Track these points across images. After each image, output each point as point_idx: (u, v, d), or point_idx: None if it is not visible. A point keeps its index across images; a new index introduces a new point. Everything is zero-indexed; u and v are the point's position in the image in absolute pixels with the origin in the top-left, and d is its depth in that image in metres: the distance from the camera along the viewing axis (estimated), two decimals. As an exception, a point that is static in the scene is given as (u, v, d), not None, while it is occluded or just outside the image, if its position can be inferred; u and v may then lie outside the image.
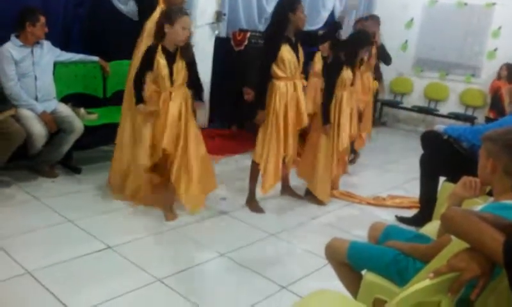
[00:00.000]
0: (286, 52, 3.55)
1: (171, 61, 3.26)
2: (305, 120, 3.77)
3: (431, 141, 3.73)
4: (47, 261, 2.71)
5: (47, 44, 3.98)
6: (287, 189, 4.21)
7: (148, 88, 3.34)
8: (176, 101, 3.31)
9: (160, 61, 3.23)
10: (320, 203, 4.06)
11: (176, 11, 3.23)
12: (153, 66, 3.24)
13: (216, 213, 3.69)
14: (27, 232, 3.04)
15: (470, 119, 7.39)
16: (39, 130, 3.74)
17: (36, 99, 3.87)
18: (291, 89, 3.65)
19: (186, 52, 3.32)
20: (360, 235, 3.28)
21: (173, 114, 3.30)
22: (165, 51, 3.25)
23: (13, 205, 3.46)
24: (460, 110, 7.68)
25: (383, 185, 4.73)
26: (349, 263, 2.08)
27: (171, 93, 3.30)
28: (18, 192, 3.67)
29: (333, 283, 2.21)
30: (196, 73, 3.51)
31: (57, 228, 3.16)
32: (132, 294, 2.48)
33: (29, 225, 3.14)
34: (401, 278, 1.87)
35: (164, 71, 3.24)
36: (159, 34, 3.24)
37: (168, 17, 3.21)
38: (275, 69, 3.57)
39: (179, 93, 3.33)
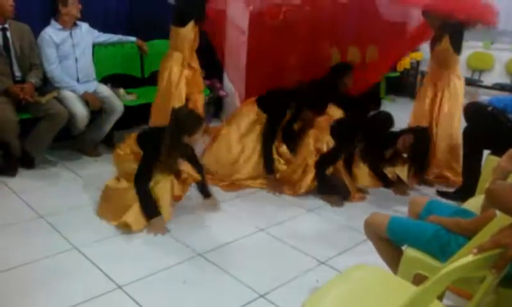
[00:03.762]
0: None
1: None
2: None
3: (474, 112, 3.60)
4: (93, 237, 2.81)
5: (85, 25, 4.06)
6: None
7: None
8: None
9: None
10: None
11: None
12: None
13: (255, 189, 3.72)
14: (73, 209, 3.16)
15: (517, 90, 7.07)
16: (81, 111, 3.85)
17: (78, 80, 3.97)
18: None
19: None
20: (400, 210, 3.24)
21: None
22: None
23: (59, 183, 3.60)
24: (506, 80, 7.35)
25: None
26: (389, 238, 2.06)
27: None
28: (64, 171, 3.82)
29: (372, 258, 2.20)
30: None
31: (101, 205, 3.26)
32: (173, 269, 2.55)
33: (75, 202, 3.26)
34: (443, 254, 1.83)
35: None
36: None
37: None
38: None
39: None
